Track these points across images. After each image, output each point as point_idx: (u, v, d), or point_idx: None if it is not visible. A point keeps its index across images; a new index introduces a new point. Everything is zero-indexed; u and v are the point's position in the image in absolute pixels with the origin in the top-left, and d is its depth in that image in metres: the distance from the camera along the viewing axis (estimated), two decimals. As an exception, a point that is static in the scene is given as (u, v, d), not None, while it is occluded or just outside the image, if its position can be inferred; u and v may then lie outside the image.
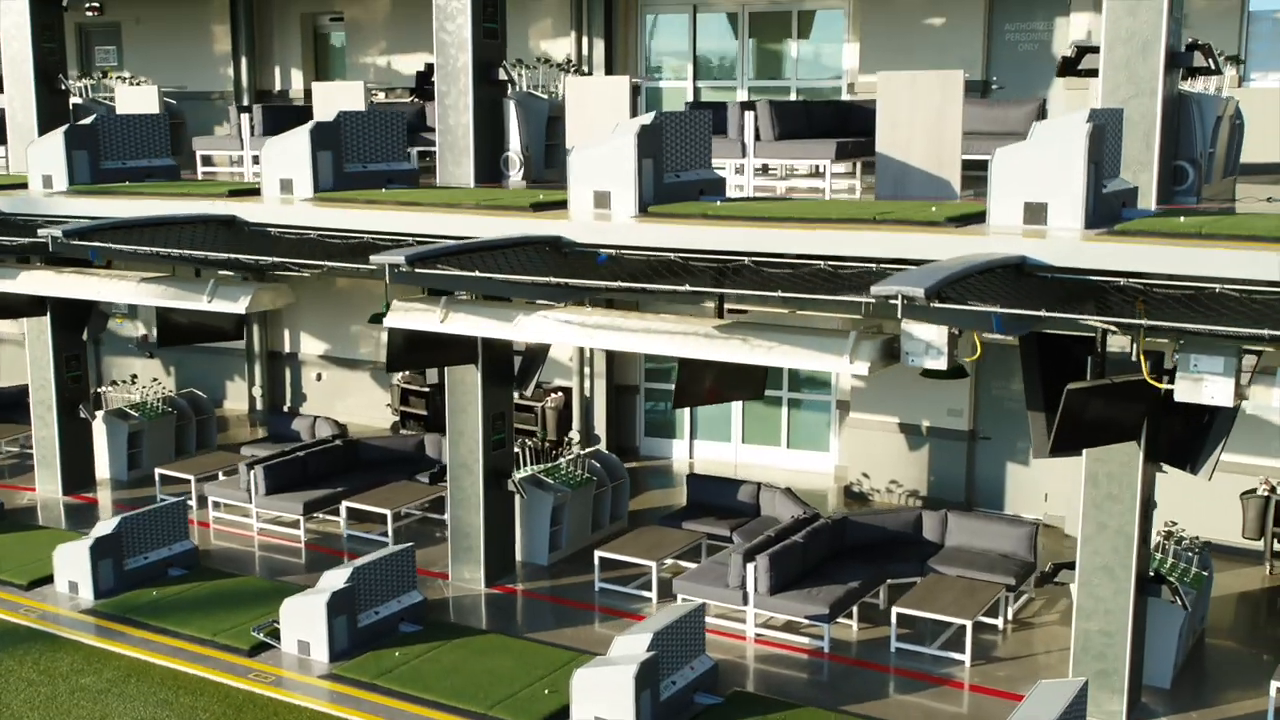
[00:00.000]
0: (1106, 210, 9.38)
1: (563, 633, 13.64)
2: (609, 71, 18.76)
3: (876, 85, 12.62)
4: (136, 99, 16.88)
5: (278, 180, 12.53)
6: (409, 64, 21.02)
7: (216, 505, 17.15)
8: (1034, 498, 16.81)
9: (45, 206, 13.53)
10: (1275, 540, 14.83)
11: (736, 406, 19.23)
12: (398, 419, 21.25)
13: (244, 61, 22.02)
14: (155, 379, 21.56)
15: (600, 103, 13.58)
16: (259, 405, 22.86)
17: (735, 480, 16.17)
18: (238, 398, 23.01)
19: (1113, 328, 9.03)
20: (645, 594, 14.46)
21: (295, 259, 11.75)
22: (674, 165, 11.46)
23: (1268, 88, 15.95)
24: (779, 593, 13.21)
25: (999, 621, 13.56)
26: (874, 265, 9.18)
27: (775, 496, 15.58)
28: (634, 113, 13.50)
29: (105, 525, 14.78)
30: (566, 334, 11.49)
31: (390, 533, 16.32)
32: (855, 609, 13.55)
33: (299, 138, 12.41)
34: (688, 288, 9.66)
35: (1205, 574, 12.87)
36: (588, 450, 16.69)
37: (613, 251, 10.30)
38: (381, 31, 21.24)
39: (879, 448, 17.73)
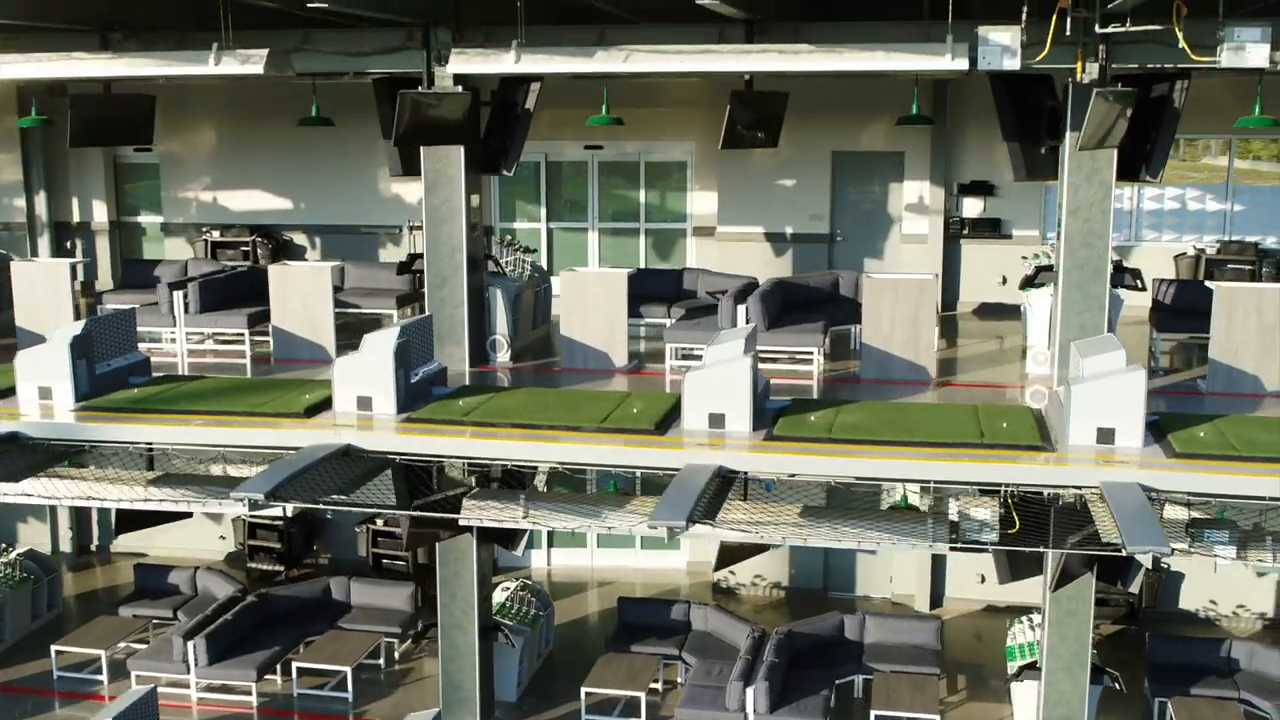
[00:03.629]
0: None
1: (584, 771, 15.20)
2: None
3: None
4: (41, 272, 16.20)
5: (354, 397, 13.03)
6: (237, 200, 21.05)
7: (140, 679, 16.89)
8: (881, 580, 19.94)
9: (85, 431, 13.01)
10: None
11: (592, 514, 21.00)
12: (238, 550, 21.29)
13: (41, 193, 21.06)
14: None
15: (596, 292, 15.16)
16: (66, 546, 21.93)
17: (666, 600, 18.15)
18: (34, 539, 21.81)
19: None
20: (634, 721, 16.20)
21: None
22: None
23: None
24: (776, 709, 15.42)
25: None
26: (998, 488, 11.67)
27: (707, 612, 17.69)
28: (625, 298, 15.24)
29: (97, 730, 14.51)
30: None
31: (350, 686, 16.88)
32: (825, 711, 16.02)
33: (381, 354, 12.85)
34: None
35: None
36: (519, 584, 18.05)
37: (777, 478, 12.06)
38: (204, 166, 21.07)
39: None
